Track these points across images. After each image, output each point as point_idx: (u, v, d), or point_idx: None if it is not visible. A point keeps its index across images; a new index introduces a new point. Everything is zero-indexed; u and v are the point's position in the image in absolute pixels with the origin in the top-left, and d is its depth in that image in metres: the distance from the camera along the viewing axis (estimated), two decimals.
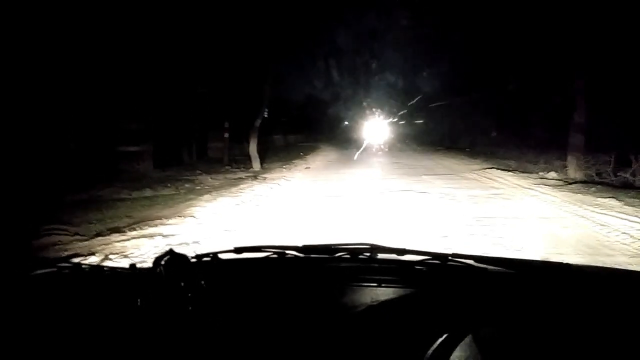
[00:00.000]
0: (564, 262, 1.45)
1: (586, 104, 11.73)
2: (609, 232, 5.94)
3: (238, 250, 1.63)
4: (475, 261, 1.46)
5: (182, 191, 10.19)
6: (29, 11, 9.34)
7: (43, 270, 1.48)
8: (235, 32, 13.15)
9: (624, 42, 10.38)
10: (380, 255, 1.57)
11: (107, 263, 4.64)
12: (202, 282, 1.21)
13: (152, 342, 1.05)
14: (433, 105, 22.22)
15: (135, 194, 9.70)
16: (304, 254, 1.62)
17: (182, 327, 1.08)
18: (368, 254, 1.57)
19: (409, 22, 16.70)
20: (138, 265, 1.27)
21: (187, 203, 8.28)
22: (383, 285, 1.38)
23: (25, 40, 9.43)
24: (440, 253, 1.52)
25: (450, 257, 1.49)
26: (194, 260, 1.47)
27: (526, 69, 15.77)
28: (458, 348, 0.97)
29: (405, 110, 22.76)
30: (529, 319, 1.14)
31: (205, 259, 1.49)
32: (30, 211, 7.09)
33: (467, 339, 1.00)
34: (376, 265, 1.54)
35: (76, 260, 4.36)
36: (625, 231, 5.91)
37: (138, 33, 11.86)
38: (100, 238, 5.81)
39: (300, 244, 1.64)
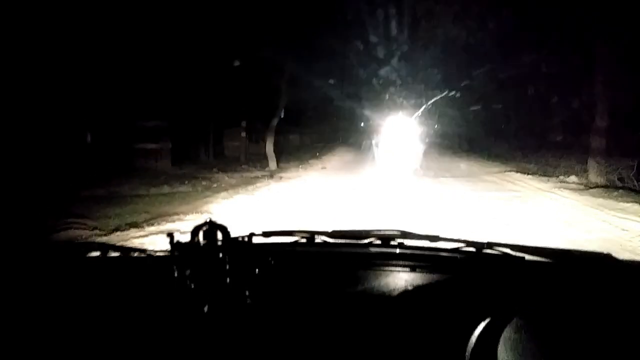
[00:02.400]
0: (605, 252, 1.40)
1: (608, 108, 11.53)
2: (631, 237, 5.80)
3: (266, 234, 1.62)
4: (512, 250, 1.42)
5: (199, 189, 10.24)
6: (49, 7, 9.47)
7: (93, 254, 1.50)
8: (252, 30, 13.17)
9: None
10: (412, 242, 1.54)
11: None
12: (240, 256, 1.19)
13: (188, 312, 1.04)
14: (449, 107, 21.99)
15: (152, 191, 9.78)
16: (333, 239, 1.59)
17: (220, 299, 1.07)
18: (399, 240, 1.54)
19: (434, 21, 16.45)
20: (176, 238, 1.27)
21: (204, 200, 8.32)
22: (417, 270, 1.35)
23: (45, 36, 9.57)
24: (476, 241, 1.48)
25: (486, 245, 1.45)
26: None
27: (547, 72, 15.56)
28: (506, 330, 0.94)
29: (423, 112, 22.56)
30: (571, 308, 1.10)
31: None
32: (49, 205, 7.19)
33: (515, 322, 0.97)
34: (408, 251, 1.50)
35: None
36: None
37: (156, 31, 11.97)
38: (118, 233, 5.85)
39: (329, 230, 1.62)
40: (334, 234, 1.61)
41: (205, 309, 1.03)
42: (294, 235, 1.61)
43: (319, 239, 1.60)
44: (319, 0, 14.02)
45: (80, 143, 11.92)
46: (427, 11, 14.96)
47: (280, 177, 12.39)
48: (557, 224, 6.50)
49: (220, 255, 1.11)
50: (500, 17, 13.70)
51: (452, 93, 19.92)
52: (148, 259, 1.48)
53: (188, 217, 6.67)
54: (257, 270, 1.22)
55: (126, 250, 1.57)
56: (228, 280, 1.09)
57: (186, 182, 11.09)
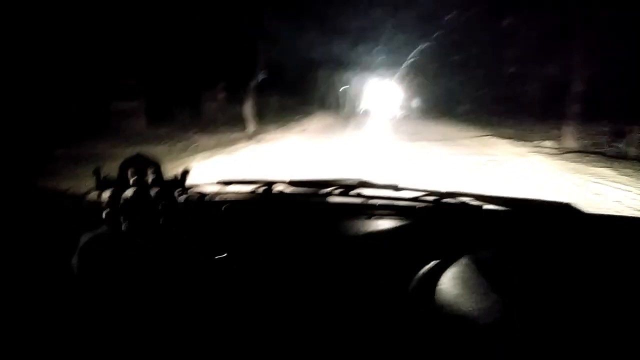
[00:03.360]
0: (565, 202, 1.41)
1: (585, 73, 11.63)
2: (602, 201, 5.96)
3: (222, 183, 1.59)
4: (472, 199, 1.42)
5: (175, 150, 10.10)
6: None
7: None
8: None
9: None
10: (372, 191, 1.53)
11: None
12: (178, 199, 1.12)
13: (117, 256, 0.98)
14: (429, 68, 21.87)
15: (128, 151, 9.53)
16: (292, 188, 1.58)
17: (153, 242, 1.00)
18: (358, 190, 1.53)
19: None
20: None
21: (181, 161, 8.22)
22: (375, 218, 1.35)
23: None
24: (435, 190, 1.47)
25: (445, 194, 1.45)
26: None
27: (526, 37, 15.54)
28: (452, 269, 0.95)
29: (403, 71, 22.43)
30: (526, 253, 1.10)
31: (190, 190, 1.44)
32: (20, 163, 7.01)
33: (462, 262, 0.98)
34: (367, 201, 1.49)
35: None
36: (618, 200, 5.94)
37: None
38: (91, 194, 5.75)
39: (287, 179, 1.60)
40: (292, 184, 1.58)
41: (134, 255, 0.97)
42: (251, 185, 1.58)
43: (276, 188, 1.57)
44: None
45: (50, 100, 11.56)
46: None
47: (260, 139, 12.29)
48: (530, 188, 6.62)
49: (151, 194, 1.03)
50: None
51: (427, 45, 19.69)
52: (82, 201, 1.42)
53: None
54: (200, 220, 1.17)
55: (59, 195, 1.51)
56: (160, 221, 1.02)
57: (163, 142, 10.91)
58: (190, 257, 1.03)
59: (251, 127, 14.94)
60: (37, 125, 9.39)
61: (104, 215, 1.02)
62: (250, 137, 12.66)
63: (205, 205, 1.33)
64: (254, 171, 7.69)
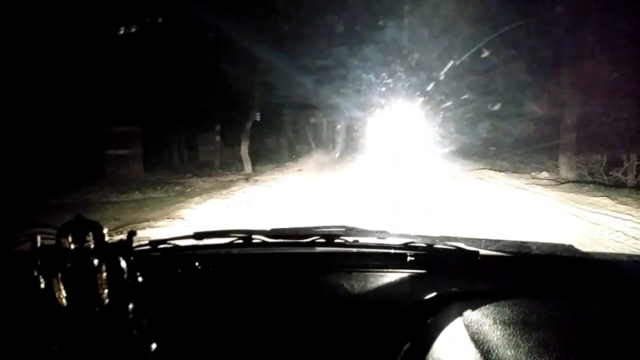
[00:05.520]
0: (566, 244, 1.34)
1: (578, 104, 11.74)
2: (602, 231, 5.88)
3: (199, 235, 1.48)
4: (466, 244, 1.32)
5: (172, 194, 10.05)
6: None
7: None
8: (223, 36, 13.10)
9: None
10: (359, 239, 1.44)
11: None
12: (124, 263, 1.02)
13: (56, 332, 0.88)
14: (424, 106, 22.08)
15: (123, 197, 9.55)
16: (273, 239, 1.48)
17: (97, 320, 0.90)
18: (344, 238, 1.44)
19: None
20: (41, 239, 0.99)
21: (177, 205, 8.16)
22: (363, 270, 1.26)
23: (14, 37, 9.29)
24: (427, 235, 1.39)
25: (437, 239, 1.36)
26: (146, 247, 1.33)
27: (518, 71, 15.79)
28: (446, 330, 0.89)
29: (401, 111, 22.61)
30: (527, 305, 1.03)
31: (161, 245, 1.35)
32: (14, 215, 6.94)
33: (457, 321, 0.91)
34: (354, 250, 1.40)
35: None
36: (619, 229, 5.86)
37: (128, 35, 11.75)
38: None
39: (268, 228, 1.51)
40: (273, 234, 1.48)
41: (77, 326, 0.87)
42: (229, 236, 1.48)
43: (256, 239, 1.47)
44: None
45: (46, 149, 11.59)
46: None
47: (256, 180, 12.26)
48: (529, 220, 6.55)
49: (94, 262, 0.92)
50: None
51: (420, 89, 19.91)
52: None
53: (159, 223, 6.50)
54: (168, 284, 1.08)
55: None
56: (105, 294, 0.92)
57: (159, 187, 10.88)
58: (146, 331, 0.93)
59: (248, 168, 14.97)
60: (30, 175, 9.37)
61: (41, 286, 0.91)
62: (246, 179, 12.64)
63: (177, 262, 1.25)
64: (250, 215, 7.61)
